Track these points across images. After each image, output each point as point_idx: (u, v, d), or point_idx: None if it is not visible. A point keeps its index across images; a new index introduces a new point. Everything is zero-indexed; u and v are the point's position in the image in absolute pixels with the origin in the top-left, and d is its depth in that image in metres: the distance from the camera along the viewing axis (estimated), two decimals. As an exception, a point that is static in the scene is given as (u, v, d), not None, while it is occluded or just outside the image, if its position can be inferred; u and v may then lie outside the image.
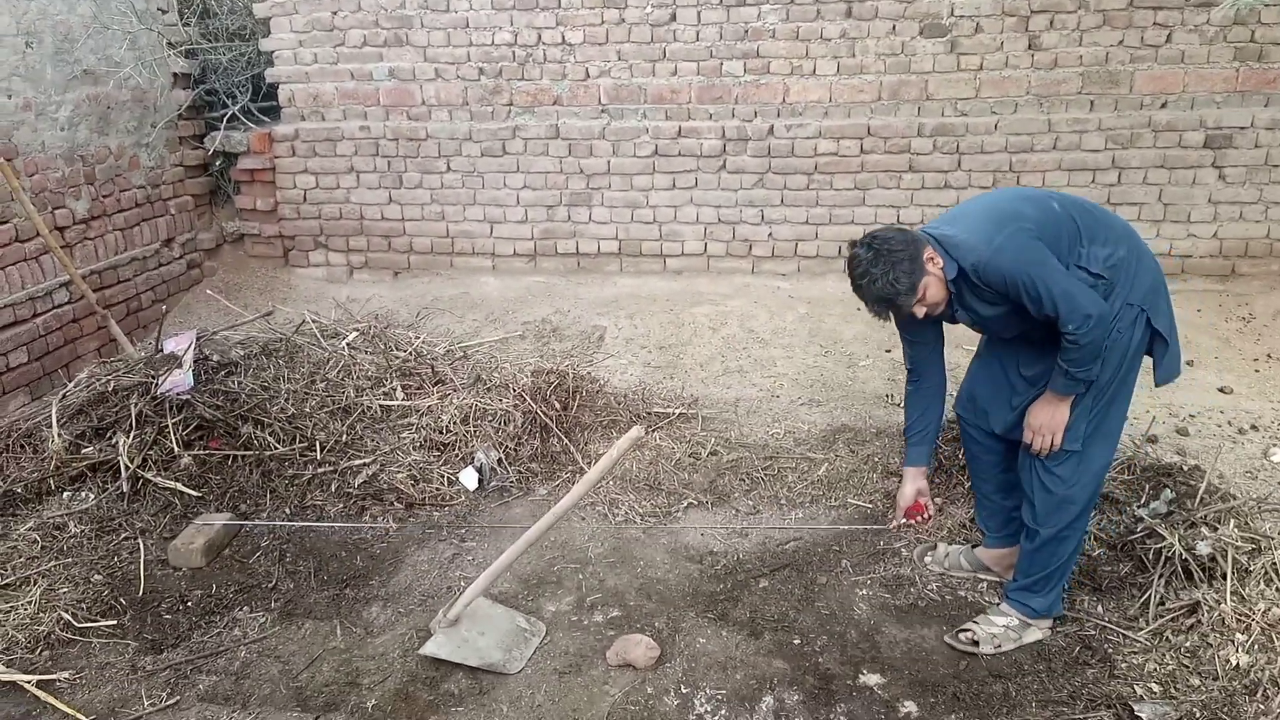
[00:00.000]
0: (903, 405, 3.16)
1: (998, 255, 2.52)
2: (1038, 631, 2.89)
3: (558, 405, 4.11)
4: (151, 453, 3.73)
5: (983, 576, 3.18)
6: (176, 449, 3.73)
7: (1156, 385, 2.76)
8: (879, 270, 2.56)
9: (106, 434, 3.82)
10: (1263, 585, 2.80)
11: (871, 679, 2.76)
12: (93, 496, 3.67)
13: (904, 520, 3.20)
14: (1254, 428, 3.96)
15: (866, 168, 5.47)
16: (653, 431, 4.11)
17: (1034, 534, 2.82)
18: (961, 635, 2.90)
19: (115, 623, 3.10)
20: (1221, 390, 4.27)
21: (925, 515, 3.21)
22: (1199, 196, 5.27)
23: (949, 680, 2.74)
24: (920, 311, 2.65)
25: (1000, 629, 2.88)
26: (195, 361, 4.01)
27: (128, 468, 3.65)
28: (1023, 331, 2.72)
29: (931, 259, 2.59)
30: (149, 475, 3.67)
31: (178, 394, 3.82)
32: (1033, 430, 2.73)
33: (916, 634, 2.95)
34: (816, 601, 3.11)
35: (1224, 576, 2.84)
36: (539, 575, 3.28)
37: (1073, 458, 2.72)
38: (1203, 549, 2.91)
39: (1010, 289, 2.54)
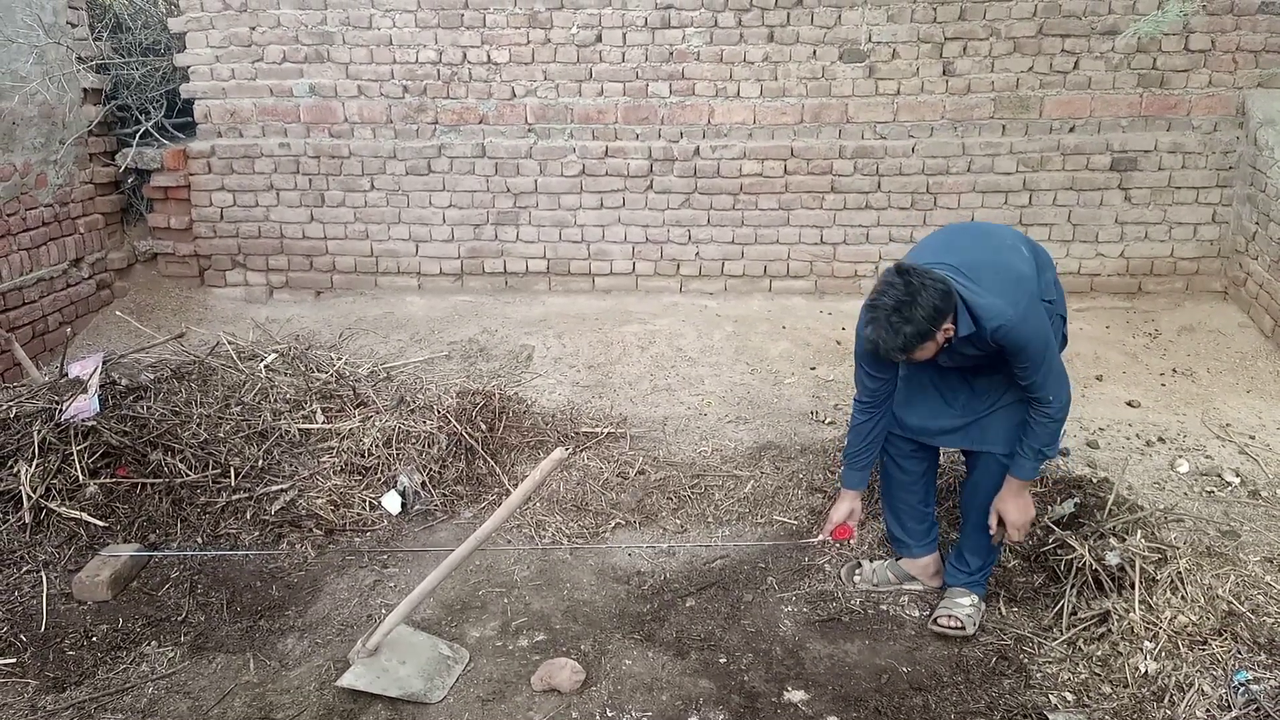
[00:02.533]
0: (848, 429, 3.14)
1: (1022, 325, 2.64)
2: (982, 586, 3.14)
3: (484, 426, 4.06)
4: (55, 481, 3.57)
5: (907, 588, 3.23)
6: (82, 477, 3.57)
7: None
8: (896, 319, 2.52)
9: (7, 462, 3.64)
10: (1169, 594, 2.89)
11: (796, 695, 2.78)
12: (-9, 529, 3.49)
13: (830, 539, 3.24)
14: (1161, 440, 4.11)
15: (790, 188, 5.56)
16: (580, 451, 4.09)
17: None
18: (943, 620, 3.01)
19: (14, 660, 2.96)
20: (1130, 404, 4.42)
21: (851, 538, 3.30)
22: (1106, 217, 5.48)
23: (871, 694, 2.77)
24: (898, 358, 2.66)
25: (969, 607, 3.03)
26: (102, 386, 3.86)
27: (30, 497, 3.49)
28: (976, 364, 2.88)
29: (946, 328, 2.58)
30: (52, 505, 3.51)
31: (83, 420, 3.67)
32: (1015, 529, 2.93)
33: (840, 649, 2.97)
34: (743, 619, 3.12)
35: (1132, 586, 2.93)
36: (463, 600, 3.23)
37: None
38: (1111, 559, 3.00)
39: (1016, 353, 2.68)
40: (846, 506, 3.16)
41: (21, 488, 3.50)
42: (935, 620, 3.03)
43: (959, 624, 2.99)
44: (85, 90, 5.47)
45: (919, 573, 3.23)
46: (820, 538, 3.29)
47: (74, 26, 5.42)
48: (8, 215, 4.89)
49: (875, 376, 2.93)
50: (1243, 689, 2.56)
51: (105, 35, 5.74)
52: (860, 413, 3.03)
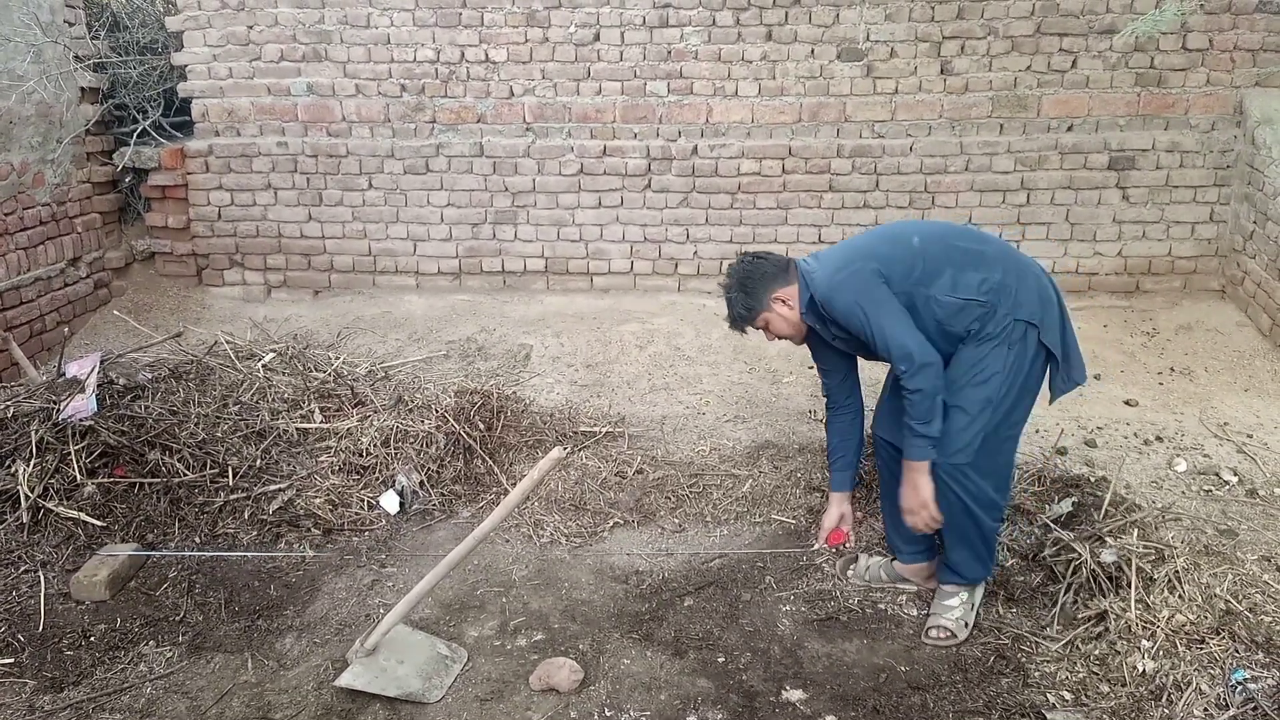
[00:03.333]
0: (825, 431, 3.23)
1: (836, 291, 2.74)
2: (981, 589, 3.04)
3: (482, 426, 4.06)
4: (53, 481, 3.56)
5: (902, 587, 3.23)
6: (79, 477, 3.57)
7: (1050, 402, 2.90)
8: (732, 294, 2.91)
9: (5, 462, 3.64)
10: (1166, 593, 2.90)
11: (794, 695, 2.77)
12: (-12, 528, 3.49)
13: (826, 545, 3.27)
14: (1159, 439, 4.11)
15: (788, 187, 5.56)
16: (579, 450, 4.09)
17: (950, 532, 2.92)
18: (933, 633, 2.97)
19: (12, 660, 2.95)
20: (1127, 403, 4.43)
21: (847, 542, 3.31)
22: (1104, 216, 5.48)
23: (869, 694, 2.77)
24: (769, 338, 3.00)
25: (958, 608, 2.98)
26: (99, 385, 3.86)
27: (27, 497, 3.49)
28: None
29: (782, 298, 2.85)
30: (50, 505, 3.51)
31: (80, 419, 3.67)
32: (907, 512, 2.86)
33: (838, 648, 2.97)
34: (741, 619, 3.12)
35: (1130, 585, 2.93)
36: (461, 600, 3.23)
37: (970, 469, 2.79)
38: (1108, 557, 3.00)
39: (850, 324, 2.74)
40: (836, 512, 3.21)
41: (19, 487, 3.50)
42: (926, 633, 3.00)
43: (948, 634, 2.96)
44: (83, 89, 5.47)
45: (911, 576, 3.21)
46: (816, 545, 3.30)
47: (71, 25, 5.41)
48: (5, 214, 4.88)
49: (823, 369, 3.09)
50: (1240, 688, 2.56)
51: (103, 34, 5.73)
52: (827, 409, 3.17)
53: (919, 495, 2.80)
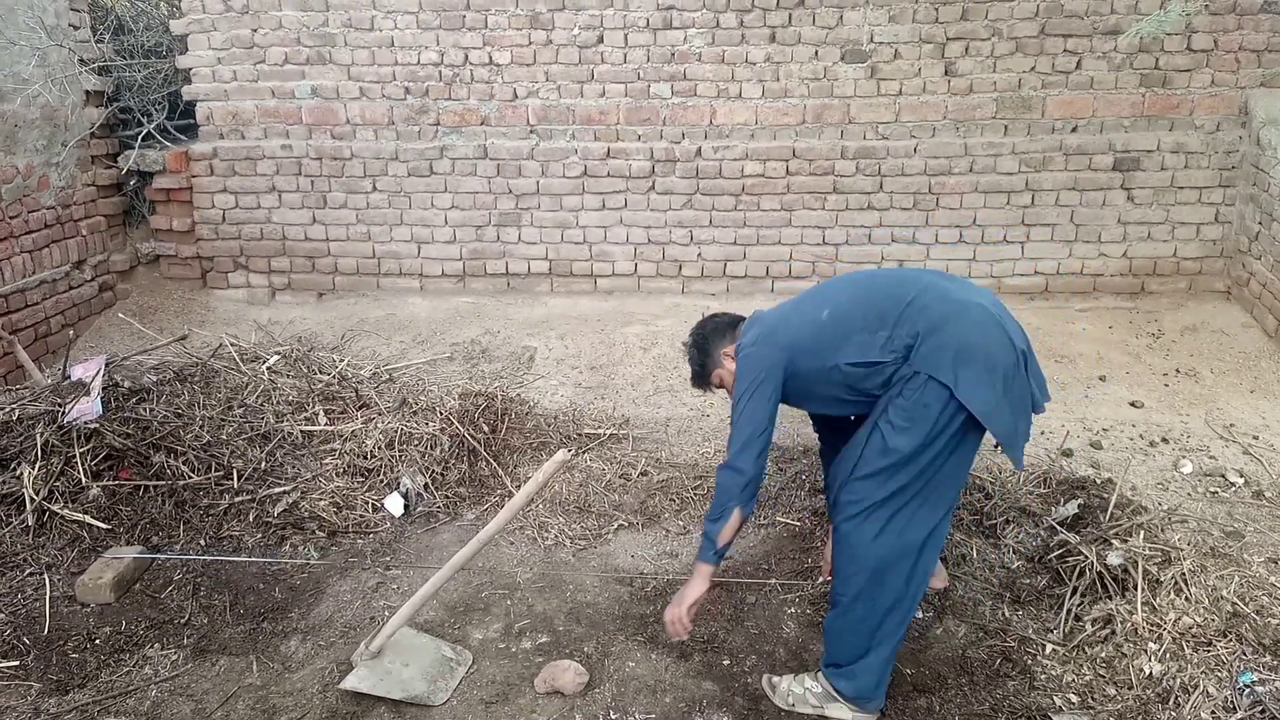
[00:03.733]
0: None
1: (740, 359, 2.75)
2: (845, 710, 2.65)
3: (486, 428, 4.06)
4: (58, 484, 3.57)
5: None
6: (84, 480, 3.57)
7: (1018, 466, 2.61)
8: (690, 353, 2.98)
9: (10, 465, 3.64)
10: (1173, 595, 2.89)
11: (799, 698, 2.76)
12: (-6, 531, 3.50)
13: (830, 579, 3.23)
14: (1164, 440, 4.10)
15: (792, 189, 5.55)
16: (583, 453, 4.08)
17: (835, 599, 2.65)
18: (773, 678, 2.79)
19: (17, 663, 2.95)
20: (1133, 405, 4.42)
21: None
22: (1109, 217, 5.47)
23: (875, 697, 2.76)
24: (699, 386, 3.03)
25: (803, 690, 2.71)
26: (104, 388, 3.86)
27: (33, 500, 3.49)
28: (828, 399, 2.72)
29: (729, 354, 2.84)
30: (55, 507, 3.52)
31: (85, 422, 3.67)
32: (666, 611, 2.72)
33: (844, 651, 2.96)
34: (746, 621, 3.11)
35: (1136, 588, 2.93)
36: (466, 602, 3.22)
37: (858, 524, 2.56)
38: (1114, 560, 2.99)
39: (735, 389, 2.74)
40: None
41: (24, 490, 3.51)
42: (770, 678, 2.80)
43: (775, 686, 2.75)
44: (87, 92, 5.48)
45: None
46: (822, 579, 3.27)
47: (76, 29, 5.42)
48: (10, 218, 4.89)
49: (810, 414, 3.10)
50: (1248, 690, 2.55)
51: (107, 37, 5.74)
52: (821, 442, 3.22)
53: (687, 592, 2.66)
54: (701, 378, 2.98)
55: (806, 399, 2.77)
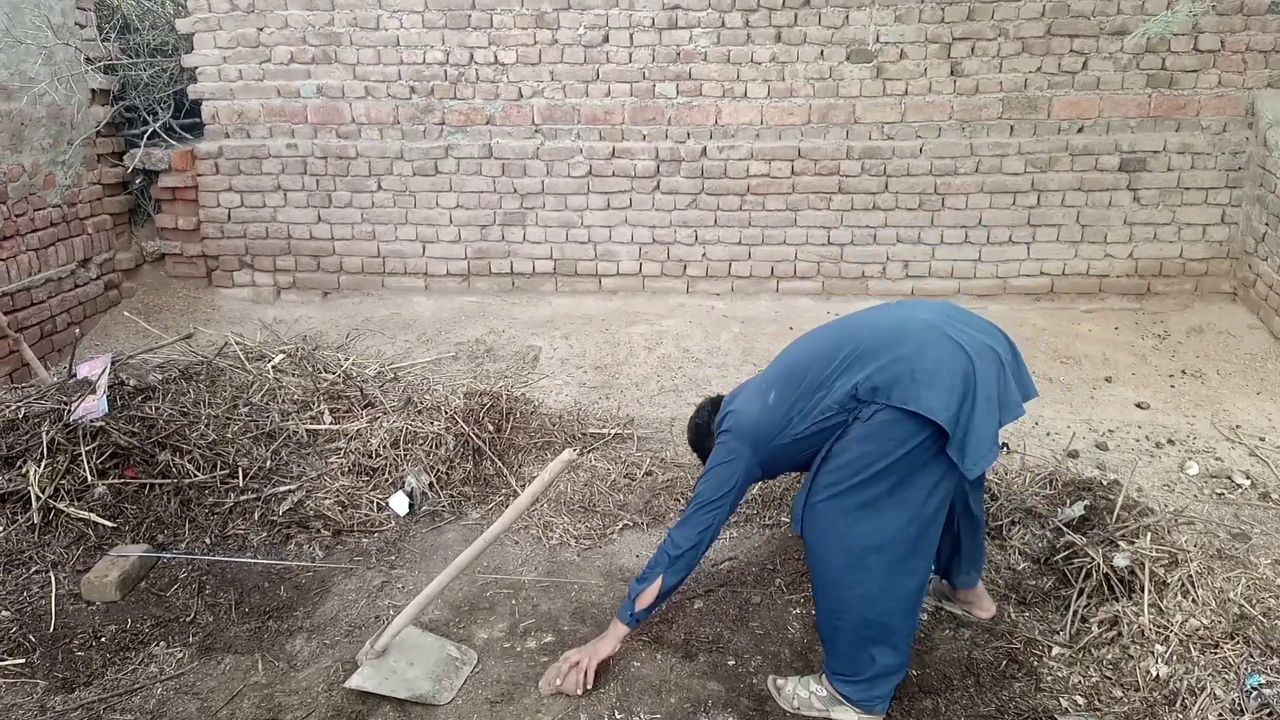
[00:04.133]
0: None
1: (716, 446, 2.78)
2: (850, 713, 2.65)
3: (491, 427, 4.06)
4: (64, 482, 3.58)
5: (943, 606, 3.10)
6: (90, 478, 3.58)
7: (968, 474, 2.49)
8: (695, 451, 3.13)
9: (16, 463, 3.64)
10: (1179, 597, 2.88)
11: (805, 699, 2.76)
12: (1, 529, 3.50)
13: None
14: (1170, 442, 4.09)
15: (797, 189, 5.55)
16: (588, 452, 4.08)
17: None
18: (778, 680, 2.80)
19: (23, 661, 2.95)
20: (1139, 406, 4.41)
21: None
22: (1115, 218, 5.46)
23: (881, 698, 2.75)
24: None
25: (808, 693, 2.72)
26: (110, 386, 3.86)
27: (38, 498, 3.50)
28: (804, 460, 2.70)
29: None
30: (61, 505, 3.52)
31: (91, 420, 3.67)
32: (564, 660, 2.78)
33: (849, 652, 2.96)
34: (751, 621, 3.11)
35: (1142, 589, 2.92)
36: (471, 601, 3.22)
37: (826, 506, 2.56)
38: (1120, 561, 2.99)
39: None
40: None
41: (30, 488, 3.51)
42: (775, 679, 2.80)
43: (780, 687, 2.76)
44: (93, 91, 5.49)
45: (949, 594, 3.11)
46: None
47: (82, 27, 5.44)
48: (16, 216, 4.90)
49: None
50: (1255, 693, 2.54)
51: (113, 36, 5.75)
52: None
53: (593, 651, 2.75)
54: (701, 457, 3.06)
55: (787, 465, 2.77)
